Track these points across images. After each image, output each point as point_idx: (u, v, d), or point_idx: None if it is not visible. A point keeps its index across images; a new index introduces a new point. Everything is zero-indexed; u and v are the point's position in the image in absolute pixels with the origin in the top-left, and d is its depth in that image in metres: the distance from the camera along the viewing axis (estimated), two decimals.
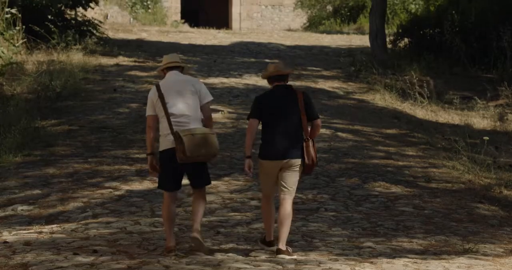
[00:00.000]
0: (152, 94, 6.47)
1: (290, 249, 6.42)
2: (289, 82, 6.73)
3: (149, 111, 6.49)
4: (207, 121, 6.51)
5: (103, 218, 7.50)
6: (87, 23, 18.84)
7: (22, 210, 7.98)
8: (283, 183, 6.43)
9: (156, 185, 6.78)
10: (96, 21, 19.17)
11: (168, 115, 6.33)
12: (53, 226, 7.29)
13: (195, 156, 6.22)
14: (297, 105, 6.45)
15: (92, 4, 18.75)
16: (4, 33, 14.68)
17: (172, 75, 6.55)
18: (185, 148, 6.16)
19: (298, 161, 6.39)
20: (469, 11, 18.68)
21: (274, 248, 6.42)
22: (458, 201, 8.41)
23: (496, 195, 8.80)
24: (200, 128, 6.36)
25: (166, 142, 6.37)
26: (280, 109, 6.46)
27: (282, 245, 6.36)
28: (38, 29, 16.02)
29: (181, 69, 6.64)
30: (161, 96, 6.37)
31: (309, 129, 6.51)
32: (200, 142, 6.23)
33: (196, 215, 6.38)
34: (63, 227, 7.19)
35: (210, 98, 6.57)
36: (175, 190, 6.49)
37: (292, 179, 6.44)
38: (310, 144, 6.44)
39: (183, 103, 6.38)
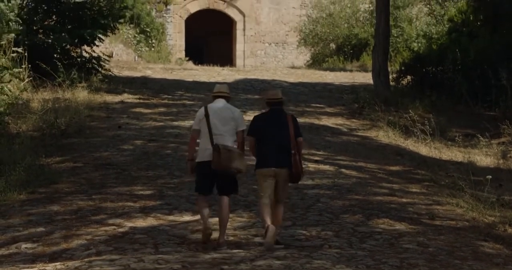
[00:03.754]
0: (200, 113, 7.87)
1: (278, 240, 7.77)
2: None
3: (195, 126, 7.93)
4: (239, 145, 7.85)
5: (107, 255, 7.48)
6: (92, 60, 19.01)
7: (26, 248, 7.96)
8: (276, 191, 7.82)
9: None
10: (103, 57, 19.33)
11: (211, 131, 7.70)
12: (57, 263, 7.26)
13: (227, 167, 7.57)
14: (287, 126, 7.83)
15: (97, 42, 18.94)
16: (10, 70, 14.81)
17: (219, 102, 7.93)
18: (221, 158, 7.55)
19: (286, 170, 7.75)
20: (470, 50, 18.84)
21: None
22: (463, 239, 8.38)
23: (501, 233, 8.76)
24: (235, 147, 7.75)
25: (204, 155, 7.72)
26: (273, 128, 7.83)
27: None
28: (44, 66, 16.16)
29: (227, 98, 7.97)
30: (207, 116, 7.76)
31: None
32: (233, 157, 7.61)
33: (222, 223, 7.68)
34: (66, 265, 7.17)
35: (244, 127, 7.91)
36: (208, 193, 7.82)
37: (283, 187, 7.89)
38: (297, 157, 7.77)
39: (223, 125, 7.77)
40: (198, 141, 7.96)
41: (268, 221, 7.65)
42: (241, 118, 7.92)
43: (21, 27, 16.49)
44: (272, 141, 7.79)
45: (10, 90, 13.30)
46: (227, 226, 7.80)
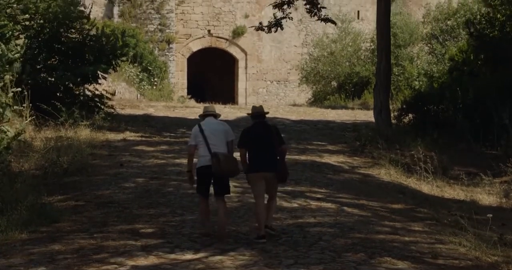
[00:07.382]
0: (195, 130, 9.39)
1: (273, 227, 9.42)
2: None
3: (191, 142, 9.42)
4: (230, 152, 9.29)
5: None
6: (95, 99, 19.10)
7: None
8: (268, 190, 9.34)
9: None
10: (105, 95, 19.40)
11: (207, 142, 9.17)
12: None
13: (225, 170, 9.03)
14: (270, 136, 9.27)
15: (99, 80, 19.05)
16: (12, 108, 14.82)
17: (209, 119, 9.53)
18: (221, 163, 8.99)
19: (272, 174, 9.21)
20: (471, 88, 18.96)
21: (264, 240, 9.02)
22: None
23: None
24: (229, 154, 9.24)
25: (203, 161, 9.21)
26: (259, 139, 9.25)
27: (268, 222, 9.34)
28: (45, 107, 16.19)
29: (215, 116, 9.60)
30: (201, 131, 9.29)
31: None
32: (230, 161, 9.10)
33: (220, 213, 9.27)
34: None
35: (232, 138, 9.43)
36: (207, 193, 9.30)
37: (273, 187, 9.41)
38: (280, 161, 9.24)
39: (215, 137, 9.26)
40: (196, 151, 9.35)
41: (262, 226, 9.04)
42: (230, 130, 9.46)
43: (21, 66, 16.56)
44: (259, 149, 9.18)
45: (9, 130, 13.27)
46: (225, 222, 9.37)
